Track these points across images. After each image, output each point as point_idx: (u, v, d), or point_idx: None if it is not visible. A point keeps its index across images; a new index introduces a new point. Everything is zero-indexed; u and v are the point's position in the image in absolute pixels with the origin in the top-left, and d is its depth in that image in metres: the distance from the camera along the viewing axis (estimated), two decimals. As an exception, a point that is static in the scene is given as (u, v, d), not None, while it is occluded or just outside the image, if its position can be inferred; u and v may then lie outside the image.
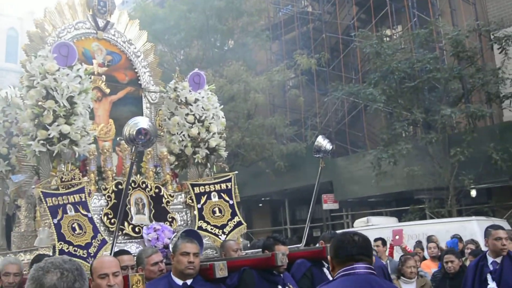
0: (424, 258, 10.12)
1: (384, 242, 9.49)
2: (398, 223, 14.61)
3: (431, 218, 15.93)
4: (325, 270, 5.76)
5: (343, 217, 20.92)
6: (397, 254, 10.03)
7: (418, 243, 10.90)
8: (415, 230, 12.74)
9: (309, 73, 20.26)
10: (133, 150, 4.93)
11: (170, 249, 4.93)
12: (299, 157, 18.70)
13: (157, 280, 4.48)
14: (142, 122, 4.86)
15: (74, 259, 2.33)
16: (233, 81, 18.67)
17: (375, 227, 13.67)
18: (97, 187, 5.98)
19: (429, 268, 8.92)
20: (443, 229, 12.03)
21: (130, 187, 6.08)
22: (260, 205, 26.02)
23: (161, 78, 7.73)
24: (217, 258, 5.70)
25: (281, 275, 5.11)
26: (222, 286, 4.58)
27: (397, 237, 12.11)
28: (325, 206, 19.78)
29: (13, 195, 6.46)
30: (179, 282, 4.35)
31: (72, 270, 2.18)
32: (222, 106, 7.29)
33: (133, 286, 3.93)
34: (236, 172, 7.12)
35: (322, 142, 6.28)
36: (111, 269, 3.62)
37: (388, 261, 9.05)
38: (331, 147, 6.29)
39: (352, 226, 16.54)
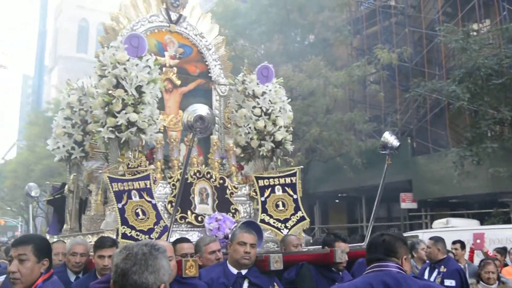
0: (506, 264, 9.59)
1: (463, 245, 9.08)
2: (479, 226, 13.91)
3: (516, 223, 15.07)
4: (388, 270, 5.59)
5: (421, 217, 20.24)
6: (478, 259, 9.57)
7: (501, 250, 10.32)
8: (498, 235, 12.08)
9: (391, 69, 19.75)
10: (191, 137, 5.00)
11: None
12: (377, 154, 18.16)
13: (213, 267, 4.53)
14: (201, 109, 4.92)
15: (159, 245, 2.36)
16: (313, 76, 18.53)
17: (454, 229, 13.08)
18: (163, 175, 6.14)
19: (511, 274, 8.45)
20: (528, 235, 11.35)
21: (195, 176, 6.20)
22: (337, 201, 25.75)
23: (239, 71, 7.80)
24: (275, 251, 5.68)
25: (340, 273, 5.02)
26: (276, 279, 4.55)
27: (478, 241, 11.54)
28: (403, 205, 19.26)
29: (86, 180, 6.76)
30: (234, 271, 4.38)
31: (136, 254, 2.22)
32: (289, 100, 7.23)
33: (187, 271, 3.99)
34: (301, 166, 7.08)
35: (389, 138, 6.06)
36: None
37: (466, 265, 8.68)
38: (398, 143, 6.05)
39: (431, 227, 15.96)
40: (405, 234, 13.49)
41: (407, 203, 19.19)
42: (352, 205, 25.07)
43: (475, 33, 17.57)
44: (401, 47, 19.20)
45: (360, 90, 21.75)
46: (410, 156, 19.53)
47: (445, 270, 6.61)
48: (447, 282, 6.45)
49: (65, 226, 6.93)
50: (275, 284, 4.46)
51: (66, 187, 6.97)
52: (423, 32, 20.49)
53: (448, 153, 16.32)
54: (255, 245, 4.52)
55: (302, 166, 7.04)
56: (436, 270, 6.70)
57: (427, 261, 7.25)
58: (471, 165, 14.76)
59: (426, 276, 6.71)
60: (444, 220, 14.30)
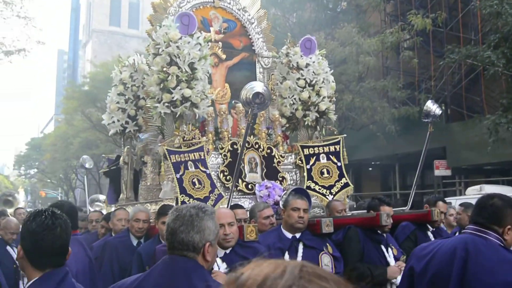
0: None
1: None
2: (513, 192, 13.99)
3: (552, 188, 15.05)
4: (429, 233, 5.87)
5: (455, 184, 20.28)
6: None
7: None
8: (531, 200, 12.15)
9: (425, 34, 19.55)
10: (249, 112, 5.32)
11: (280, 205, 5.30)
12: (411, 121, 18.29)
13: (269, 232, 4.89)
14: (258, 86, 5.23)
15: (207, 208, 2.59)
16: (345, 44, 18.55)
17: (488, 195, 13.20)
18: (214, 146, 6.49)
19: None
20: None
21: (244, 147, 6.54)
22: (370, 169, 25.87)
23: (273, 41, 8.03)
24: (323, 216, 6.01)
25: (385, 235, 5.31)
26: (328, 240, 4.89)
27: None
28: (437, 173, 19.28)
29: (140, 152, 7.17)
30: (289, 235, 4.73)
31: (184, 216, 2.51)
32: (332, 71, 7.46)
33: (247, 235, 4.35)
34: (345, 135, 7.34)
35: (432, 106, 6.29)
36: (227, 219, 4.04)
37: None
38: (440, 112, 6.28)
39: (464, 194, 16.06)
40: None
41: (440, 170, 19.20)
42: (385, 173, 25.18)
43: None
44: (436, 12, 18.97)
45: (394, 56, 21.60)
46: (444, 123, 19.48)
47: None
48: None
49: (121, 195, 7.37)
50: (327, 244, 4.81)
51: (121, 159, 7.38)
52: (458, -4, 20.16)
53: (483, 120, 16.21)
54: (307, 210, 4.86)
55: (345, 135, 7.30)
56: None
57: (457, 227, 7.49)
58: (507, 131, 14.71)
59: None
60: (477, 187, 14.37)
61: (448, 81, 20.30)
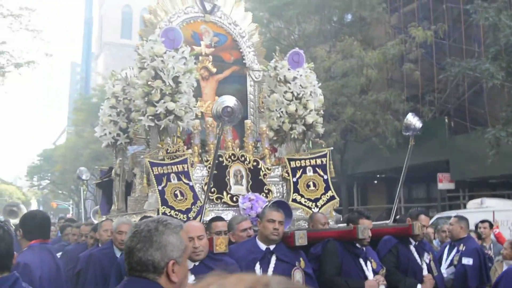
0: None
1: (491, 224, 9.30)
2: (512, 207, 13.88)
3: (557, 202, 14.91)
4: (412, 247, 5.88)
5: (459, 198, 20.12)
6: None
7: None
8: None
9: (428, 46, 19.53)
10: (220, 126, 5.43)
11: (261, 217, 5.34)
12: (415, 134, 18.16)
13: (243, 243, 4.95)
14: (229, 100, 5.34)
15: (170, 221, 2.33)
16: (347, 56, 18.62)
17: (489, 209, 13.12)
18: (200, 159, 6.58)
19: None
20: None
21: (230, 159, 6.62)
22: (375, 182, 25.77)
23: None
24: (304, 228, 6.06)
25: (364, 248, 5.33)
26: (302, 253, 4.92)
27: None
28: (440, 186, 19.12)
29: (131, 164, 7.28)
30: (263, 246, 4.78)
31: (142, 231, 2.21)
32: (325, 81, 7.51)
33: (217, 248, 4.42)
34: (331, 148, 7.39)
35: (412, 119, 6.34)
36: (196, 233, 4.12)
37: (491, 244, 8.92)
38: (420, 125, 6.32)
39: (466, 208, 15.96)
40: (437, 216, 13.60)
41: (444, 183, 19.03)
42: (391, 186, 25.00)
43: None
44: (437, 24, 18.97)
45: (397, 69, 21.61)
46: (447, 135, 19.39)
47: (464, 248, 6.78)
48: (465, 260, 6.62)
49: (113, 207, 7.50)
50: (301, 258, 4.85)
51: (113, 170, 7.51)
52: (461, 8, 20.10)
53: (485, 133, 16.09)
54: (283, 222, 4.90)
55: (331, 148, 7.37)
56: (456, 248, 6.89)
57: (448, 240, 7.50)
58: (507, 145, 14.59)
59: (445, 254, 6.94)
60: (478, 200, 14.29)
61: (452, 93, 20.23)
